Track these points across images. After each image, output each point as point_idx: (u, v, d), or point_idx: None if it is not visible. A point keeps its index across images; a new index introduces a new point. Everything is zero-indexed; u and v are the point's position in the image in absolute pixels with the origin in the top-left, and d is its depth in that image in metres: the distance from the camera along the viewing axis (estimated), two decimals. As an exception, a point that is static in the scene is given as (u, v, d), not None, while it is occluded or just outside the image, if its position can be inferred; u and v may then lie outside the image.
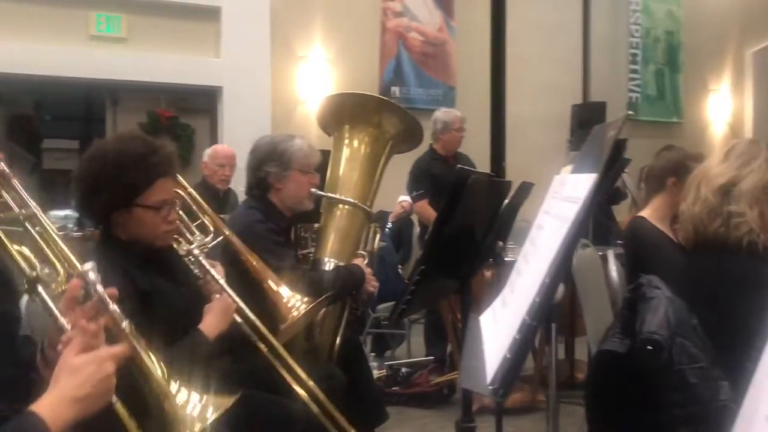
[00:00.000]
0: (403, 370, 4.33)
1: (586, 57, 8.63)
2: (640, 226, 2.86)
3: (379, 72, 7.70)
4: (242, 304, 1.99)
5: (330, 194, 2.88)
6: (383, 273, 5.11)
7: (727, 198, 1.88)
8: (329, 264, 2.71)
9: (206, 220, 2.21)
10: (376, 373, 4.24)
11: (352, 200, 2.89)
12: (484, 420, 3.38)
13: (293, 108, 7.40)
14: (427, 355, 4.76)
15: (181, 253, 2.03)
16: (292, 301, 2.14)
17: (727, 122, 9.67)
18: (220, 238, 2.19)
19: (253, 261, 2.22)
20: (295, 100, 7.42)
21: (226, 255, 2.22)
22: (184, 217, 2.09)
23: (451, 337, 4.36)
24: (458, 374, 2.71)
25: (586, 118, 7.57)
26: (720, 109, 9.62)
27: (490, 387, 0.97)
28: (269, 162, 2.54)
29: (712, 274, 1.94)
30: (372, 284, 2.68)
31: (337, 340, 2.70)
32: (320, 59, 7.46)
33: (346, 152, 3.07)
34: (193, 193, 2.22)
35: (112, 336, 1.19)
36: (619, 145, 0.98)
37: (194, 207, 2.21)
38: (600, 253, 3.58)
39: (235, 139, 5.98)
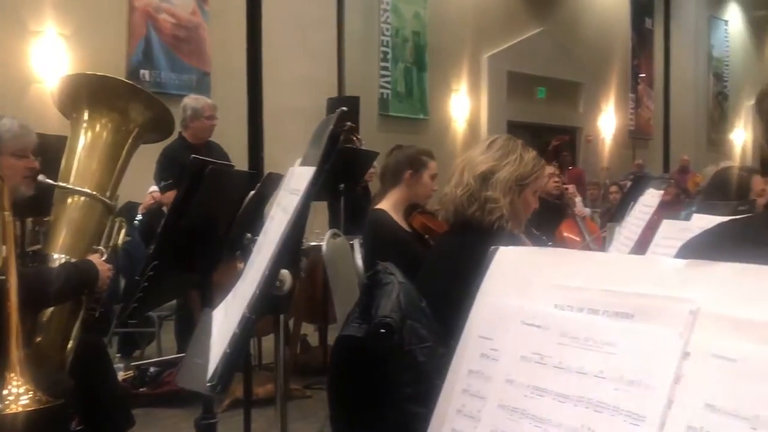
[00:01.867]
0: (152, 369, 4.13)
1: (340, 52, 8.91)
2: (379, 218, 3.04)
3: (127, 53, 7.23)
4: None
5: (61, 184, 2.62)
6: (131, 269, 4.81)
7: (485, 184, 2.08)
8: (59, 260, 2.47)
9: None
10: (122, 375, 3.99)
11: (88, 191, 2.65)
12: (236, 413, 3.34)
13: (26, 87, 6.66)
14: (178, 353, 4.58)
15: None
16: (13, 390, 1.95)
17: (467, 120, 10.59)
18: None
19: (13, 318, 1.98)
20: (28, 79, 6.68)
21: None
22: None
23: (204, 331, 4.23)
24: (178, 373, 2.65)
25: (341, 111, 7.81)
26: (460, 107, 10.50)
27: (209, 384, 0.95)
28: (-27, 148, 2.25)
29: (464, 252, 2.11)
30: (106, 282, 2.49)
31: (70, 343, 2.48)
32: (55, 35, 6.80)
33: (84, 139, 2.82)
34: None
35: None
36: (334, 139, 1.01)
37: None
38: (351, 243, 3.72)
39: (-48, 120, 5.21)
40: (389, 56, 9.42)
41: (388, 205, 3.08)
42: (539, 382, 0.90)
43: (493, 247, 1.13)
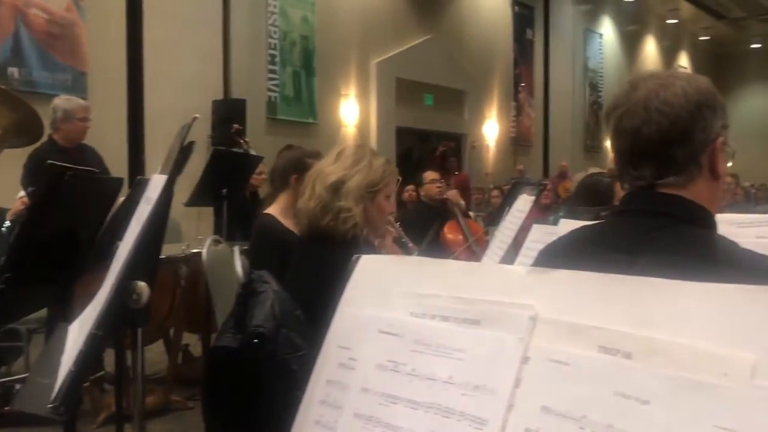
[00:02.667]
0: (18, 386, 3.87)
1: (226, 53, 8.73)
2: (265, 223, 2.98)
3: (-7, 50, 6.77)
4: None
5: None
6: (-4, 278, 4.49)
7: (337, 195, 2.07)
8: None
9: None
10: (-17, 394, 3.72)
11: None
12: (112, 428, 3.20)
13: None
14: (49, 367, 4.32)
15: None
16: None
17: (356, 125, 10.66)
18: None
19: None
20: None
21: None
22: None
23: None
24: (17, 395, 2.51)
25: (227, 114, 7.68)
26: (350, 112, 10.55)
27: (50, 405, 0.89)
28: None
29: (321, 263, 2.11)
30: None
31: None
32: None
33: (-63, 142, 2.62)
34: None
35: None
36: (186, 148, 0.98)
37: None
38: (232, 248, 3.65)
39: None
40: (277, 59, 9.33)
41: (277, 209, 3.03)
42: (393, 390, 0.91)
43: (356, 255, 1.14)
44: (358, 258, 1.12)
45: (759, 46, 20.26)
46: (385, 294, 1.01)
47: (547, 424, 0.75)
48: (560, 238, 1.47)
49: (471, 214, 8.31)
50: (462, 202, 7.87)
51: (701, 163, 1.24)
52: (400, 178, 2.35)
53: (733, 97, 21.35)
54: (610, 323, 0.75)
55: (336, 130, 10.37)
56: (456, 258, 4.68)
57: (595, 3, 16.63)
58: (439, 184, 5.77)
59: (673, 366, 0.69)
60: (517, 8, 13.94)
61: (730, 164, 1.34)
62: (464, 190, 10.80)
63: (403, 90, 11.30)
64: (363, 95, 10.75)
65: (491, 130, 13.45)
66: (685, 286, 0.73)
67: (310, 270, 2.10)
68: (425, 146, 12.03)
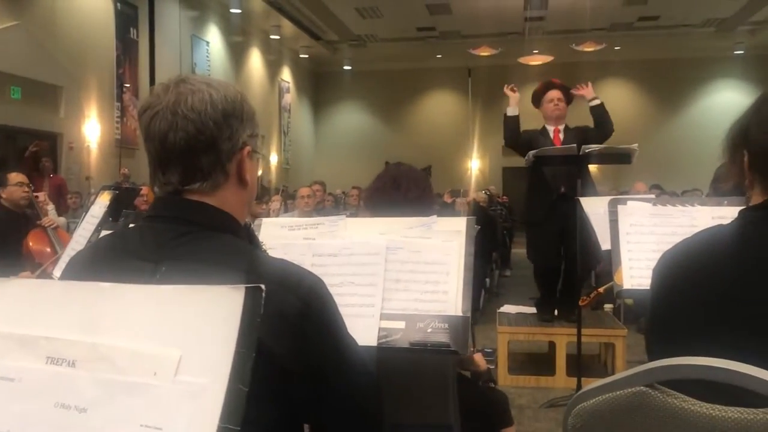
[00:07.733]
0: None
1: None
2: None
3: None
4: None
5: None
6: None
7: None
8: None
9: None
10: None
11: None
12: None
13: None
14: None
15: None
16: None
17: None
18: None
19: None
20: None
21: None
22: None
23: None
24: None
25: None
26: None
27: None
28: None
29: None
30: None
31: None
32: None
33: None
34: None
35: None
36: None
37: None
38: None
39: None
40: None
41: None
42: None
43: None
44: None
45: (350, 68, 22.75)
46: None
47: (-14, 447, 0.69)
48: (89, 246, 1.41)
49: (63, 220, 7.66)
50: (51, 207, 7.22)
51: (228, 171, 1.26)
52: None
53: (329, 113, 23.68)
54: (61, 332, 0.73)
55: None
56: (44, 271, 4.25)
57: (202, 10, 16.82)
58: (26, 188, 5.23)
59: (112, 370, 0.69)
60: (119, 5, 13.32)
61: (260, 172, 1.42)
62: (59, 193, 9.92)
63: (-17, 80, 9.92)
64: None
65: (92, 130, 12.60)
66: (131, 290, 0.74)
67: None
68: (13, 145, 10.75)
